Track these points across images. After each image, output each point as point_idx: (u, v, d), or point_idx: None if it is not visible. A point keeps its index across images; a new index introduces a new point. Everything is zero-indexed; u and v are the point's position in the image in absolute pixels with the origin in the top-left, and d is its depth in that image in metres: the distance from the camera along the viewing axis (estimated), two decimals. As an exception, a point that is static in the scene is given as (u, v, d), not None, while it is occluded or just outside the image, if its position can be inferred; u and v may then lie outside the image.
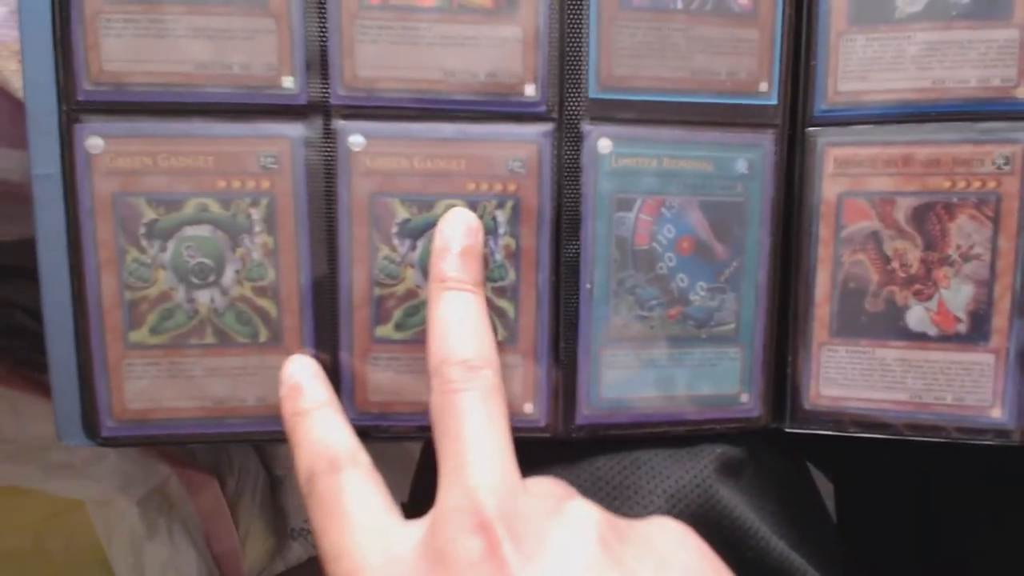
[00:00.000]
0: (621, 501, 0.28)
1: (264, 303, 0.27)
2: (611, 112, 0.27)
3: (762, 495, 0.30)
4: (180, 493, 0.67)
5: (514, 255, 0.27)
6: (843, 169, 0.28)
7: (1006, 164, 0.27)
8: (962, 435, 0.28)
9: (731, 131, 0.28)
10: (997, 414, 0.28)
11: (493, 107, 0.27)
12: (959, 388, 0.28)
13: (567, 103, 0.27)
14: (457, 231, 0.26)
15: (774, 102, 0.28)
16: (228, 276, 0.26)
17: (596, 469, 0.29)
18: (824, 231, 0.29)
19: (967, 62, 0.27)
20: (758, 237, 0.29)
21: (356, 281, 0.27)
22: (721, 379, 0.30)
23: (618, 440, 0.29)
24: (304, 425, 0.25)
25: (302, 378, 0.26)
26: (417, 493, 0.35)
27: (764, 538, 0.28)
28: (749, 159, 0.28)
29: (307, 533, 0.82)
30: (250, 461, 0.76)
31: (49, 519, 0.60)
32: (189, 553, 0.65)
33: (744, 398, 0.30)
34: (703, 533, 0.28)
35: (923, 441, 0.29)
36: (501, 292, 0.27)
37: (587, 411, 0.29)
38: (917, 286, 0.28)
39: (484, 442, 0.22)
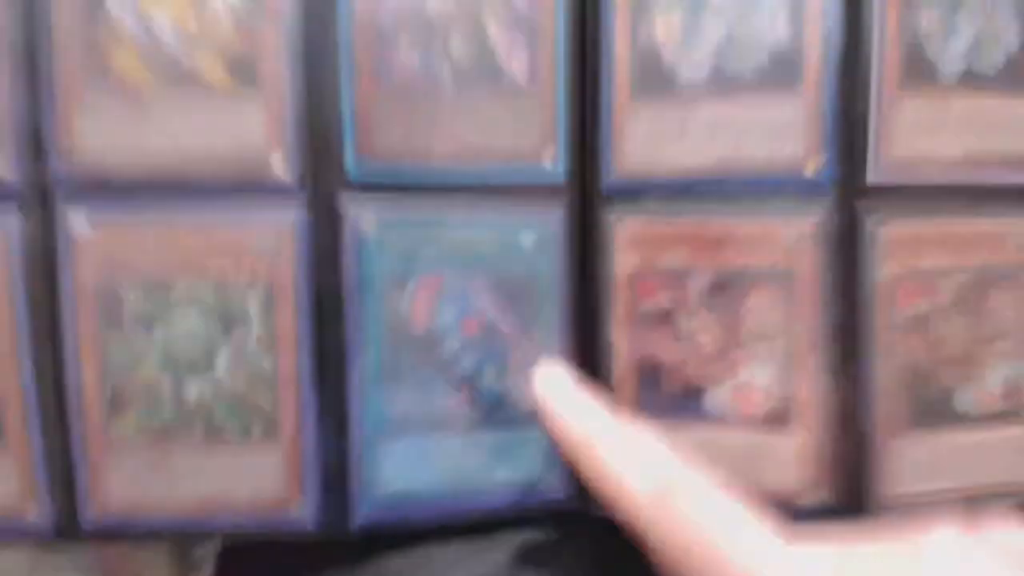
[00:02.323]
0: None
1: None
2: (374, 189, 0.25)
3: (571, 581, 0.29)
4: None
5: (270, 342, 0.25)
6: (634, 244, 0.26)
7: (798, 242, 0.25)
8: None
9: (515, 204, 0.26)
10: None
11: (238, 187, 0.24)
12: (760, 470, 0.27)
13: (321, 180, 0.25)
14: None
15: (560, 175, 0.26)
16: None
17: (381, 568, 0.27)
18: (620, 309, 0.27)
19: (753, 136, 0.25)
20: (551, 314, 0.27)
21: (86, 376, 0.24)
22: (520, 463, 0.28)
23: (408, 536, 0.27)
24: None
25: None
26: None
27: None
28: (537, 233, 0.27)
29: None
30: None
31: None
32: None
33: (547, 482, 0.28)
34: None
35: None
36: (256, 382, 0.25)
37: (366, 508, 0.26)
38: (715, 366, 0.27)
39: None
